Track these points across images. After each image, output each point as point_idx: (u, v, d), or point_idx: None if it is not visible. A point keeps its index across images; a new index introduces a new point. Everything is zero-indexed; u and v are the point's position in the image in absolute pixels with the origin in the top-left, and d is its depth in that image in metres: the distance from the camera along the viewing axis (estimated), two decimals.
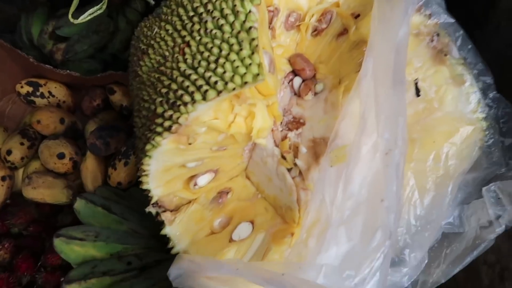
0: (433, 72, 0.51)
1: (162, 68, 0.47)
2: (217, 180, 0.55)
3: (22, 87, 0.98)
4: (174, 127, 0.43)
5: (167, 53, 0.48)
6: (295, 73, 0.57)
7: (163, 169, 0.48)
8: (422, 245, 0.49)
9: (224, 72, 0.42)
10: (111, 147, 0.87)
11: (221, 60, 0.42)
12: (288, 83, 0.56)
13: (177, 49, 0.46)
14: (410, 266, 0.49)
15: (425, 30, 0.50)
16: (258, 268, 0.40)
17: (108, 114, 0.99)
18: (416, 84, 0.50)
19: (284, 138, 0.52)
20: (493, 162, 0.51)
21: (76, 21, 0.65)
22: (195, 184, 0.53)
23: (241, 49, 0.42)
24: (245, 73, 0.41)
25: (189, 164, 0.50)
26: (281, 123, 0.54)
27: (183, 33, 0.47)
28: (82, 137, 0.97)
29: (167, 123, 0.43)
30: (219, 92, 0.41)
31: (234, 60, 0.42)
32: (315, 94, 0.55)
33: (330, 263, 0.39)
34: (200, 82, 0.42)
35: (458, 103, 0.50)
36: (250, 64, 0.41)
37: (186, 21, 0.47)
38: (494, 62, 0.55)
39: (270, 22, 0.54)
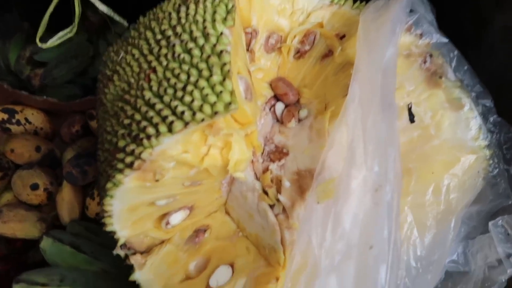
0: (427, 96, 0.46)
1: (127, 96, 0.42)
2: (192, 217, 0.49)
3: None
4: (136, 163, 0.37)
5: (132, 80, 0.43)
6: (277, 98, 0.53)
7: (128, 209, 0.43)
8: None
9: (192, 100, 0.37)
10: (88, 176, 0.83)
11: (189, 88, 0.38)
12: (270, 109, 0.52)
13: (142, 75, 0.42)
14: None
15: (417, 50, 0.46)
16: None
17: (88, 141, 0.94)
18: (409, 109, 0.45)
19: (266, 170, 0.47)
20: (499, 194, 0.46)
21: (45, 46, 0.61)
22: (168, 223, 0.47)
23: (211, 75, 0.37)
24: (215, 102, 0.36)
25: (158, 201, 0.44)
26: (262, 153, 0.49)
27: (150, 58, 0.42)
28: (60, 165, 0.92)
29: (128, 159, 0.38)
30: (186, 124, 0.36)
31: (204, 88, 0.37)
32: (299, 120, 0.50)
33: None
34: (166, 112, 0.37)
35: (456, 129, 0.45)
36: (221, 91, 0.36)
37: (153, 45, 0.43)
38: (490, 84, 0.50)
39: (249, 45, 0.50)
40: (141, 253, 0.49)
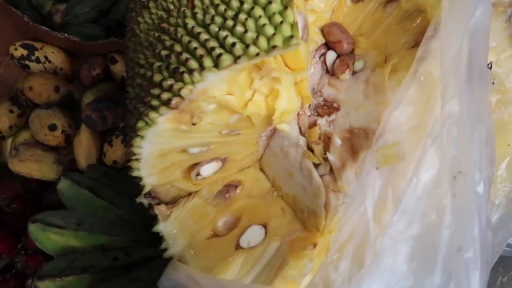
0: (510, 55, 0.40)
1: (164, 25, 0.36)
2: (224, 170, 0.45)
3: (16, 49, 0.89)
4: (174, 101, 0.32)
5: (171, 6, 0.37)
6: (328, 46, 0.46)
7: (158, 154, 0.38)
8: None
9: (245, 31, 0.31)
10: (108, 122, 0.79)
11: (242, 16, 0.32)
12: (320, 57, 0.46)
13: (184, 1, 0.36)
14: None
15: (506, 0, 0.39)
16: None
17: (108, 86, 0.90)
18: (489, 69, 0.39)
19: (313, 125, 0.42)
20: None
21: None
22: (198, 174, 0.43)
23: (270, 3, 0.31)
24: (273, 34, 0.30)
25: (191, 149, 0.40)
26: (310, 106, 0.43)
27: None
28: (78, 108, 0.89)
29: (165, 96, 0.33)
30: (236, 58, 0.31)
31: (260, 17, 0.31)
32: (353, 73, 0.44)
33: None
34: (212, 43, 0.32)
35: None
36: (281, 22, 0.31)
37: None
38: None
39: None
40: (166, 203, 0.45)
